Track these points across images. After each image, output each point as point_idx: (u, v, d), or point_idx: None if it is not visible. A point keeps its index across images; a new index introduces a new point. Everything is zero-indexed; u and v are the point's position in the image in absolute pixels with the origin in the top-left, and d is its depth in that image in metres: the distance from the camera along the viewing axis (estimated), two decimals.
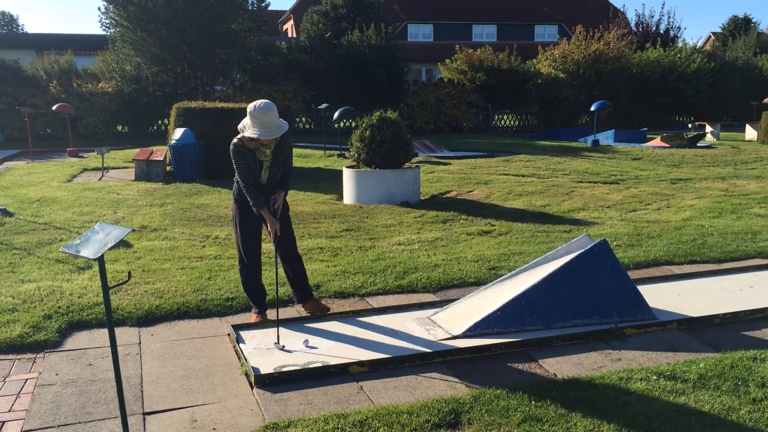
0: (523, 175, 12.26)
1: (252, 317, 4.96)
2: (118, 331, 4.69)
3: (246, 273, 4.99)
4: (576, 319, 4.80)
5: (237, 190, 4.91)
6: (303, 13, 34.71)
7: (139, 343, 4.60)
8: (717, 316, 4.92)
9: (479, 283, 5.82)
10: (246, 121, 4.66)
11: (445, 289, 5.80)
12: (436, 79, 28.00)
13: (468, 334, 4.62)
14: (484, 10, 45.96)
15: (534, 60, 27.37)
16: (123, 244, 7.11)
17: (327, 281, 5.83)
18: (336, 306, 5.31)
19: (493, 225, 8.26)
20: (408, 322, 4.92)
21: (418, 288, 5.76)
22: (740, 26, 56.00)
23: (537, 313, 4.77)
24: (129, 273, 3.33)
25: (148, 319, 5.00)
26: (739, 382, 3.78)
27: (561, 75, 25.54)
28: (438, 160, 14.61)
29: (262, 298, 5.04)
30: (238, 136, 4.73)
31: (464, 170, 12.79)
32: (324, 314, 5.07)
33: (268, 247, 5.23)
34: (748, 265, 6.35)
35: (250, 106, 4.59)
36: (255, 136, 4.57)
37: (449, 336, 4.62)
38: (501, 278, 5.49)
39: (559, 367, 4.15)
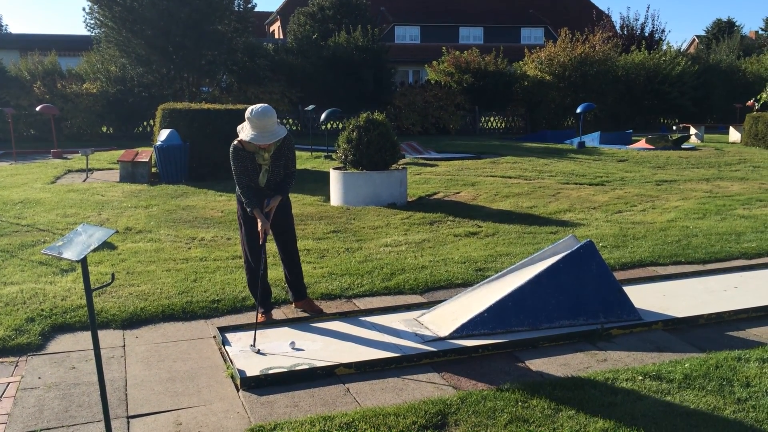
0: (510, 177, 12.30)
1: (258, 317, 4.96)
2: (102, 333, 4.64)
3: (252, 272, 4.98)
4: (562, 320, 4.81)
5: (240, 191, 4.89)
6: (290, 14, 34.62)
7: (124, 345, 4.55)
8: (702, 316, 4.95)
9: (466, 284, 5.83)
10: (244, 124, 4.64)
11: (432, 290, 5.80)
12: (423, 81, 28.02)
13: (455, 335, 4.62)
14: (470, 12, 46.09)
15: (520, 62, 27.48)
16: (107, 246, 7.05)
17: (314, 283, 5.80)
18: (323, 308, 5.28)
19: (480, 226, 8.27)
20: (395, 324, 4.91)
21: (405, 289, 5.75)
22: (724, 29, 56.58)
23: (523, 314, 4.78)
24: (112, 275, 3.30)
25: (133, 321, 4.96)
26: (724, 382, 3.80)
27: (547, 77, 25.65)
28: (425, 161, 14.62)
29: (267, 298, 5.04)
30: (239, 138, 4.71)
31: (451, 172, 12.81)
32: (313, 315, 5.06)
33: (273, 247, 5.21)
34: (732, 265, 6.40)
35: (248, 110, 4.58)
36: (248, 140, 4.56)
37: (436, 337, 4.61)
38: (488, 279, 5.49)
39: (546, 368, 4.16)
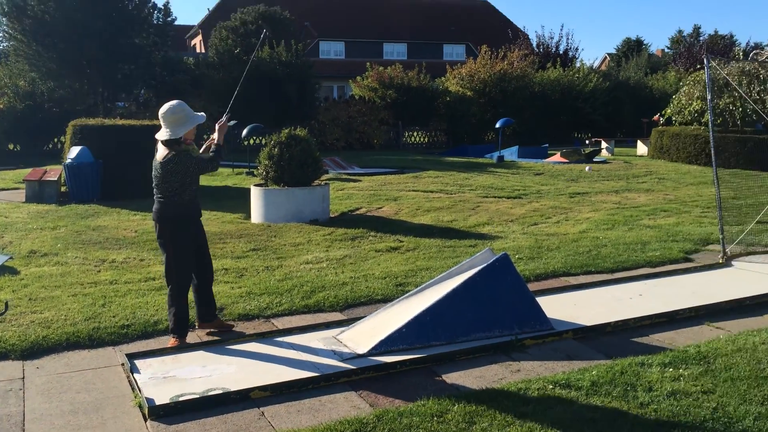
0: (432, 191, 12.47)
1: (170, 341, 4.79)
2: None
3: (177, 293, 4.83)
4: (479, 333, 4.89)
5: (172, 210, 4.72)
6: (212, 28, 34.10)
7: (23, 377, 4.30)
8: (609, 324, 5.14)
9: (387, 299, 5.84)
10: (173, 126, 4.76)
11: (353, 307, 5.78)
12: (347, 96, 28.14)
13: (373, 352, 4.61)
14: (394, 28, 46.75)
15: (443, 78, 28.04)
16: (8, 270, 6.67)
17: (231, 303, 5.68)
18: (240, 329, 5.18)
19: (401, 241, 8.33)
20: (314, 343, 4.86)
21: (325, 307, 5.71)
22: (633, 48, 59.60)
23: (441, 328, 4.83)
24: (6, 303, 3.12)
25: (34, 351, 4.69)
26: (628, 388, 3.96)
27: (468, 93, 26.27)
28: (348, 177, 14.65)
29: (186, 321, 4.89)
30: (178, 143, 4.80)
31: (374, 187, 12.88)
32: (229, 338, 4.94)
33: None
34: (638, 274, 6.70)
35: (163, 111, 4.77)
36: (162, 138, 4.71)
37: (355, 355, 4.59)
38: (407, 294, 5.53)
39: (462, 381, 4.21)
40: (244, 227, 9.20)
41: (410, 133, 26.68)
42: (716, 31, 52.67)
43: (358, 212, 10.54)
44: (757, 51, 20.48)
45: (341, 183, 13.45)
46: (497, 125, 19.62)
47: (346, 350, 4.68)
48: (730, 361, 4.30)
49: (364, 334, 4.92)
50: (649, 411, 3.66)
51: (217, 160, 5.00)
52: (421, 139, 26.94)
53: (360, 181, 13.85)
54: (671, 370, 4.19)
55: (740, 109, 17.06)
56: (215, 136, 5.01)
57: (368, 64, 27.54)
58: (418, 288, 5.55)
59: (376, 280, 6.45)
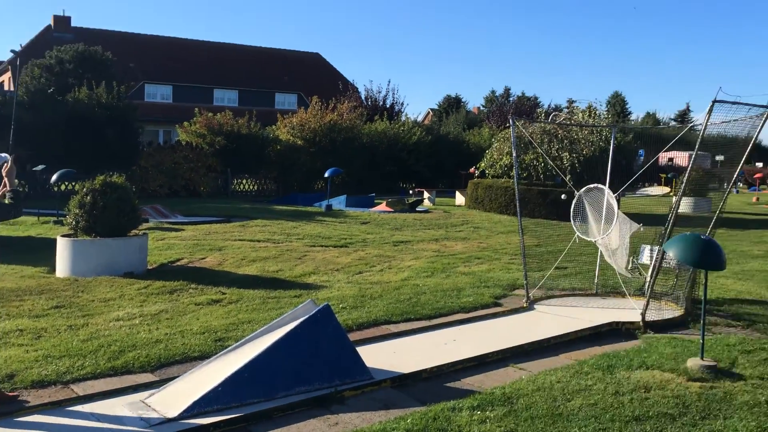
0: (259, 241, 12.31)
1: None
2: None
3: None
4: (299, 386, 4.84)
5: None
6: (23, 65, 31.49)
7: None
8: (425, 370, 5.33)
9: (204, 356, 5.60)
10: None
11: (166, 366, 5.47)
12: (173, 142, 27.16)
13: (185, 415, 4.38)
14: (226, 75, 46.24)
15: (274, 126, 28.11)
16: None
17: (24, 369, 5.11)
18: (33, 398, 4.66)
19: (224, 293, 8.09)
20: (118, 409, 4.50)
21: (135, 368, 5.34)
22: (453, 104, 64.08)
23: (260, 385, 4.71)
24: None
25: None
26: None
27: (299, 142, 26.53)
28: (170, 226, 14.03)
29: None
30: None
31: (198, 236, 12.44)
32: (11, 407, 4.41)
33: None
34: (453, 319, 7.04)
35: None
36: None
37: (164, 420, 4.33)
38: (226, 350, 5.35)
39: None
40: (46, 282, 8.42)
41: (239, 180, 26.30)
42: (523, 93, 58.23)
43: (178, 263, 10.10)
44: (556, 113, 22.92)
45: (162, 232, 12.84)
46: (326, 174, 19.96)
47: (155, 415, 4.40)
48: (530, 401, 4.63)
49: (177, 396, 4.66)
50: None
51: (17, 207, 4.57)
52: (251, 187, 26.64)
53: (183, 230, 13.32)
54: (479, 412, 4.42)
55: (542, 164, 18.89)
56: (6, 181, 4.59)
57: (197, 109, 26.91)
58: (238, 343, 5.39)
59: (194, 336, 6.17)
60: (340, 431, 4.21)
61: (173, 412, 4.38)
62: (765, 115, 6.60)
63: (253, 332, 5.68)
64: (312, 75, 49.54)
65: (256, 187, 26.70)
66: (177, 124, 27.47)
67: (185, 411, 4.38)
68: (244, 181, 26.47)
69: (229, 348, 5.37)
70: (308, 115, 27.32)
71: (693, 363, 5.31)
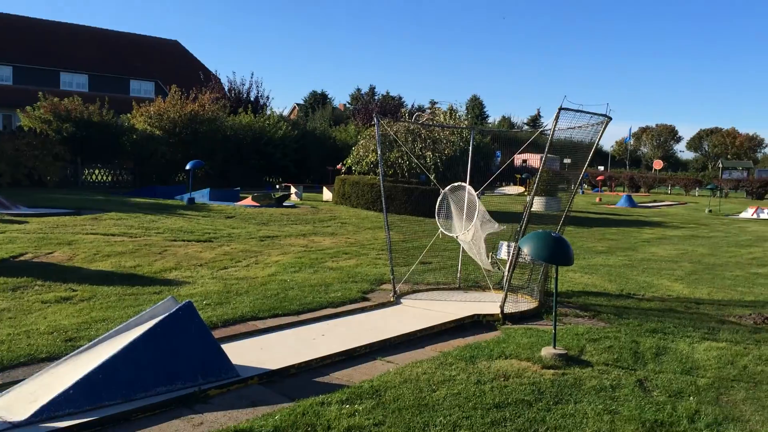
0: (114, 234, 11.58)
1: None
2: None
3: None
4: (159, 387, 4.61)
5: None
6: None
7: None
8: (293, 366, 5.27)
9: (53, 358, 5.19)
10: None
11: (10, 369, 5.01)
12: (15, 127, 24.87)
13: (33, 419, 4.04)
14: (74, 57, 43.09)
15: (129, 115, 26.58)
16: None
17: None
18: None
19: (74, 290, 7.53)
20: None
21: None
22: (319, 100, 64.11)
23: (117, 386, 4.44)
24: None
25: None
26: (309, 428, 4.08)
27: (157, 132, 25.27)
28: (12, 218, 12.84)
29: None
30: None
31: (44, 229, 11.48)
32: None
33: None
34: (322, 314, 7.03)
35: None
36: None
37: (9, 425, 3.96)
38: (78, 350, 5.01)
39: None
40: None
41: (91, 170, 24.63)
42: (388, 92, 59.60)
43: (22, 258, 9.26)
44: (419, 113, 23.58)
45: (3, 225, 11.72)
46: (188, 166, 19.20)
47: None
48: (398, 393, 4.73)
49: (23, 400, 4.29)
50: None
51: None
52: (105, 178, 25.04)
53: (27, 222, 12.23)
54: (348, 406, 4.44)
55: (407, 162, 19.37)
56: None
57: (41, 93, 24.86)
58: (92, 342, 5.05)
59: (41, 336, 5.70)
60: (205, 431, 4.05)
61: (19, 417, 4.03)
62: (604, 123, 7.20)
63: (108, 331, 5.34)
64: (170, 63, 47.45)
65: (110, 178, 25.13)
66: (18, 109, 25.20)
67: (33, 415, 4.03)
68: (97, 172, 24.83)
69: (82, 348, 5.02)
70: (167, 104, 26.09)
71: (546, 352, 5.68)
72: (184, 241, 11.47)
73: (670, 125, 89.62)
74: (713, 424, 4.44)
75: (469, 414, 4.41)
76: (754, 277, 10.53)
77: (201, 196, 19.58)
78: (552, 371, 5.34)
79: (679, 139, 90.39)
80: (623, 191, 42.81)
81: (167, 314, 4.92)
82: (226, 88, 38.10)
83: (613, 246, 14.18)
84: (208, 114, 26.67)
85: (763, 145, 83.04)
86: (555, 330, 5.88)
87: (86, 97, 26.21)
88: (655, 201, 35.09)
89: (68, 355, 4.97)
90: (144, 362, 4.60)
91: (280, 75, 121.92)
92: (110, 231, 11.90)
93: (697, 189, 45.34)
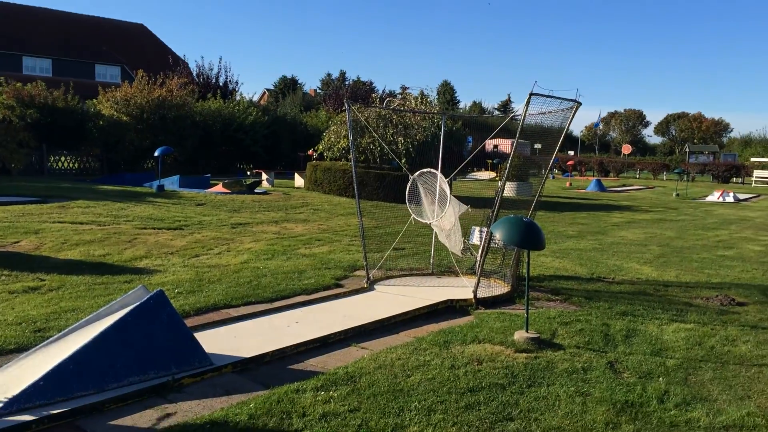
0: (82, 223, 11.37)
1: None
2: None
3: None
4: (132, 377, 4.56)
5: None
6: None
7: None
8: (267, 354, 5.25)
9: (22, 349, 5.11)
10: None
11: None
12: None
13: (3, 411, 3.97)
14: (37, 42, 42.02)
15: (95, 100, 26.01)
16: None
17: None
18: None
19: (42, 280, 7.39)
20: None
21: None
22: (289, 86, 63.51)
23: (88, 377, 4.38)
24: None
25: None
26: (284, 416, 4.07)
27: (125, 118, 24.78)
28: None
29: None
30: None
31: (9, 218, 11.23)
32: None
33: None
34: (295, 301, 7.01)
35: None
36: None
37: None
38: (48, 341, 4.93)
39: None
40: None
41: (57, 157, 24.09)
42: (359, 78, 59.18)
43: None
44: (390, 98, 23.51)
45: None
46: (156, 153, 18.89)
47: None
48: (373, 379, 4.74)
49: None
50: None
51: None
52: (71, 165, 24.52)
53: None
54: (323, 393, 4.45)
55: (379, 148, 19.34)
56: None
57: (2, 78, 24.19)
58: (62, 333, 4.98)
59: (9, 327, 5.60)
60: (179, 421, 4.03)
61: None
62: (574, 108, 7.26)
63: (78, 321, 5.26)
64: (136, 47, 46.58)
65: (77, 165, 24.62)
66: None
67: (3, 407, 3.97)
68: (63, 159, 24.30)
69: (52, 339, 4.95)
70: (134, 89, 25.57)
71: (519, 336, 5.75)
72: (154, 229, 11.32)
73: (638, 110, 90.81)
74: (682, 404, 4.54)
75: (443, 398, 4.45)
76: (720, 260, 10.77)
77: (171, 183, 19.31)
78: (525, 355, 5.41)
79: (647, 124, 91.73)
80: (593, 176, 43.35)
81: (138, 303, 4.86)
82: (195, 73, 37.55)
83: (584, 230, 14.37)
84: (177, 99, 26.23)
85: (729, 129, 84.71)
86: (527, 314, 5.95)
87: (50, 82, 25.60)
88: (624, 185, 35.62)
89: (38, 346, 4.89)
90: (116, 352, 4.55)
91: (250, 60, 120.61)
92: (78, 219, 11.69)
93: (664, 173, 46.12)
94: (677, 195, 28.13)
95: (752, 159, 48.82)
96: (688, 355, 5.59)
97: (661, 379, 5.00)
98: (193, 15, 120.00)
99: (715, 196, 26.91)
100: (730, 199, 26.27)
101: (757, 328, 6.56)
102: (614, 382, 4.88)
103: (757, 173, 42.26)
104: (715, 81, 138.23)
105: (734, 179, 43.63)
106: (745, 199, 27.73)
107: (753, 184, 41.16)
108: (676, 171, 35.66)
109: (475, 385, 4.71)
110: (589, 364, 5.23)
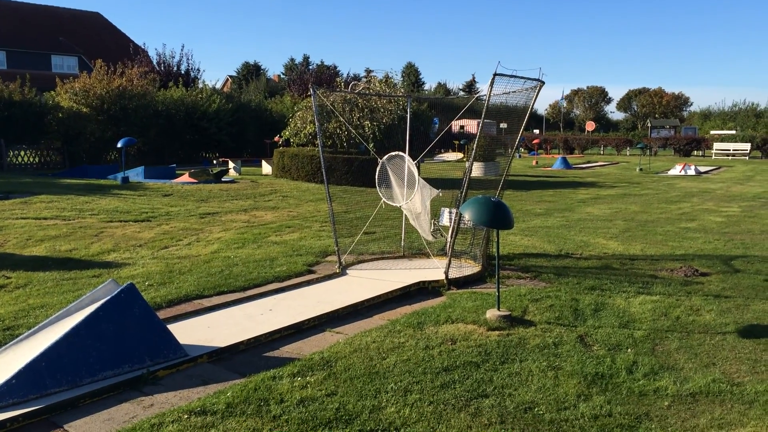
0: (46, 218, 11.16)
1: None
2: None
3: None
4: (106, 371, 4.53)
5: None
6: None
7: None
8: (242, 342, 5.26)
9: None
10: None
11: None
12: None
13: None
14: None
15: (53, 92, 25.37)
16: None
17: None
18: None
19: (8, 278, 7.25)
20: None
21: None
22: (252, 72, 62.75)
23: (61, 373, 4.34)
24: None
25: None
26: (262, 403, 4.09)
27: (84, 109, 24.24)
28: None
29: None
30: None
31: None
32: None
33: None
34: (268, 289, 7.00)
35: None
36: None
37: None
38: (18, 339, 4.86)
39: (89, 427, 3.85)
40: None
41: (16, 152, 23.49)
42: (323, 62, 58.64)
43: None
44: (355, 82, 23.39)
45: None
46: (119, 144, 18.55)
47: None
48: (348, 362, 4.79)
49: None
50: (281, 422, 3.84)
51: None
52: (31, 159, 23.93)
53: None
54: (300, 378, 4.48)
55: (346, 132, 19.28)
56: None
57: None
58: (32, 330, 4.91)
59: None
60: (157, 412, 4.02)
61: None
62: (537, 87, 7.33)
63: (48, 318, 5.19)
64: (93, 36, 45.51)
65: (37, 159, 24.03)
66: None
67: None
68: (23, 153, 23.71)
69: (22, 336, 4.87)
70: (93, 79, 24.99)
71: (491, 314, 5.84)
72: (120, 221, 11.16)
73: (601, 87, 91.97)
74: (650, 373, 4.68)
75: (419, 379, 4.52)
76: (683, 232, 11.04)
77: (135, 174, 19.02)
78: (497, 332, 5.50)
79: (609, 101, 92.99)
80: (558, 153, 43.87)
81: (109, 297, 4.81)
82: (155, 62, 36.87)
83: (551, 208, 14.58)
84: (138, 89, 25.74)
85: (689, 103, 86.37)
86: (498, 292, 6.04)
87: (5, 75, 24.93)
88: (588, 162, 36.13)
89: (7, 345, 4.82)
90: (88, 347, 4.51)
91: (212, 46, 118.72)
92: (42, 214, 11.47)
93: (628, 149, 46.87)
94: (640, 170, 28.64)
95: (712, 132, 49.92)
96: (654, 326, 5.75)
97: (629, 350, 5.14)
98: (150, 1, 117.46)
99: (677, 170, 27.47)
100: (691, 172, 26.85)
101: (720, 297, 6.77)
102: (584, 355, 5.00)
103: (717, 146, 43.22)
104: (675, 56, 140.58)
105: (695, 152, 44.59)
106: (706, 172, 28.39)
107: (713, 157, 42.11)
108: (638, 146, 36.27)
109: (450, 364, 4.79)
110: (560, 339, 5.35)
